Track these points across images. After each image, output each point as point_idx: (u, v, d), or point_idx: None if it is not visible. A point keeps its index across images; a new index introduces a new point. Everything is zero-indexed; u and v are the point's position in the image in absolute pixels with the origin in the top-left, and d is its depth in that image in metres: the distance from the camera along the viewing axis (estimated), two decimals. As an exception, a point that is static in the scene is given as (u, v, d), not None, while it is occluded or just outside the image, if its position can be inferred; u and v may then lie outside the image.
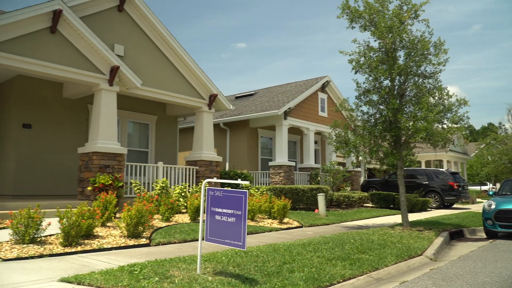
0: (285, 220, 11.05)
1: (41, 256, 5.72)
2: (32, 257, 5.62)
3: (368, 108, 10.74)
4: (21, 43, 8.87)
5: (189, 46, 70.56)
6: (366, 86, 10.59)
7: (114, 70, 10.26)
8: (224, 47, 76.37)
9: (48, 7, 9.05)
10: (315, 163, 19.46)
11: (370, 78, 10.41)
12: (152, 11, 11.58)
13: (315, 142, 20.99)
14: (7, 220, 7.40)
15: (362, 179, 24.61)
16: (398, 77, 10.13)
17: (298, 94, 17.97)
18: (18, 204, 8.28)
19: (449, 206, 19.56)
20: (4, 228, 7.27)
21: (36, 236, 6.29)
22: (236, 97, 22.29)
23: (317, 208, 13.22)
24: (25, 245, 6.06)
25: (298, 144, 20.52)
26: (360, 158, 10.96)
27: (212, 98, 13.23)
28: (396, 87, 10.21)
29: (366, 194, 17.83)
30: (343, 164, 22.26)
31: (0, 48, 8.52)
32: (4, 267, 5.04)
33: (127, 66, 10.62)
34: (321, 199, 12.94)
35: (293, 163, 17.24)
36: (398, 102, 9.89)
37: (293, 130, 19.01)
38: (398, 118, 9.71)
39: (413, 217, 13.04)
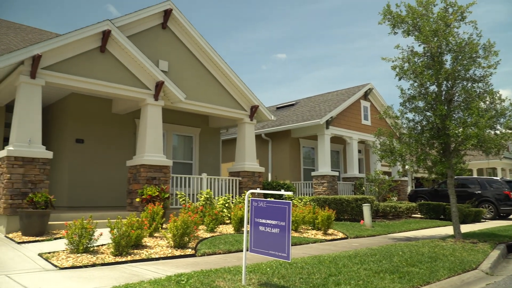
0: (330, 231, 10.87)
1: (93, 265, 5.98)
2: (85, 266, 5.89)
3: (414, 115, 10.41)
4: (74, 63, 9.43)
5: (230, 59, 71.90)
6: (411, 92, 10.29)
7: (159, 85, 10.64)
8: (265, 59, 77.07)
9: (98, 28, 9.58)
10: (359, 172, 19.04)
11: (415, 84, 10.11)
12: (194, 27, 11.94)
13: (359, 151, 20.56)
14: (63, 231, 7.81)
15: (409, 189, 23.77)
16: (445, 82, 9.76)
17: (340, 102, 17.75)
18: (72, 215, 8.72)
19: (505, 217, 18.41)
20: (60, 238, 7.69)
21: (89, 246, 6.59)
22: (277, 108, 22.36)
23: (362, 219, 12.90)
24: (79, 254, 6.36)
25: (341, 154, 20.19)
26: (406, 167, 10.61)
27: (254, 110, 13.36)
28: (444, 92, 9.84)
29: (414, 204, 17.17)
30: (389, 174, 21.62)
31: (56, 69, 9.12)
32: (61, 275, 5.31)
33: (171, 81, 10.98)
34: (366, 209, 12.62)
35: (336, 173, 16.97)
36: (446, 108, 9.51)
37: (336, 139, 18.75)
38: (447, 124, 9.34)
39: (465, 228, 12.40)
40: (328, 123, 16.79)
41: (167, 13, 11.41)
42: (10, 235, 7.87)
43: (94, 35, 9.64)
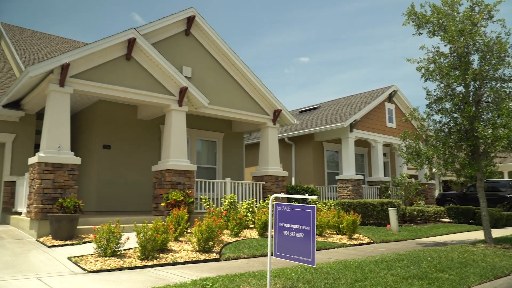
0: (355, 236, 10.72)
1: (121, 268, 6.09)
2: (113, 270, 6.01)
3: (440, 117, 10.20)
4: (101, 71, 9.68)
5: (253, 64, 72.25)
6: (437, 93, 10.09)
7: (183, 91, 10.79)
8: (287, 62, 77.02)
9: (123, 36, 9.80)
10: (385, 176, 18.72)
11: (442, 85, 9.91)
12: (216, 32, 12.07)
13: (384, 154, 20.23)
14: (91, 235, 7.99)
15: (436, 192, 23.20)
16: (473, 82, 9.52)
17: (363, 105, 17.53)
18: (100, 220, 8.91)
19: (539, 221, 17.69)
20: (88, 242, 7.87)
21: (116, 249, 6.72)
22: (300, 112, 22.28)
23: (389, 224, 12.66)
24: (107, 258, 6.50)
25: (366, 157, 19.91)
26: (433, 170, 10.38)
27: (276, 114, 13.36)
28: (471, 93, 9.59)
29: (442, 208, 16.74)
30: (415, 177, 21.17)
31: (83, 77, 9.38)
32: (89, 278, 5.44)
33: (194, 86, 11.11)
34: (392, 213, 12.39)
35: (361, 177, 16.73)
36: (474, 109, 9.27)
37: (360, 143, 18.51)
38: (475, 126, 9.09)
39: (497, 233, 12.00)
40: (352, 126, 16.61)
41: (190, 20, 11.58)
42: (41, 239, 8.12)
43: (120, 43, 9.88)
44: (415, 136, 10.57)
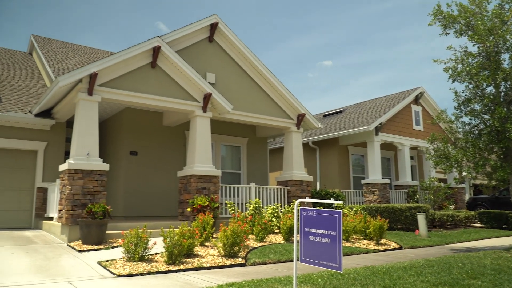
0: (382, 241, 10.51)
1: (148, 273, 6.18)
2: (141, 274, 6.10)
3: (469, 119, 9.93)
4: (128, 79, 9.90)
5: (276, 69, 72.06)
6: (466, 95, 9.84)
7: (207, 97, 10.90)
8: (311, 66, 76.51)
9: (148, 45, 10.01)
10: (412, 180, 18.31)
11: (470, 86, 9.65)
12: (239, 38, 12.16)
13: (411, 158, 19.80)
14: (120, 240, 8.15)
15: (467, 196, 22.52)
16: (503, 82, 9.24)
17: (389, 108, 17.25)
18: (128, 225, 9.08)
19: None
20: (117, 246, 8.02)
21: (144, 254, 6.83)
22: (324, 115, 22.12)
23: (417, 229, 12.36)
24: (135, 263, 6.61)
25: (392, 161, 19.55)
26: (463, 173, 10.10)
27: (300, 118, 13.31)
28: (502, 93, 9.30)
29: (473, 212, 16.22)
30: (444, 181, 20.61)
31: (111, 85, 9.62)
32: (119, 282, 5.54)
33: (218, 92, 11.21)
34: (421, 218, 12.10)
35: (387, 181, 16.43)
36: (505, 110, 8.98)
37: (386, 146, 18.20)
38: (507, 127, 8.79)
39: (533, 238, 11.53)
40: (377, 130, 16.36)
41: (213, 27, 11.71)
42: (72, 244, 8.34)
43: (145, 52, 10.08)
44: (444, 138, 10.32)
